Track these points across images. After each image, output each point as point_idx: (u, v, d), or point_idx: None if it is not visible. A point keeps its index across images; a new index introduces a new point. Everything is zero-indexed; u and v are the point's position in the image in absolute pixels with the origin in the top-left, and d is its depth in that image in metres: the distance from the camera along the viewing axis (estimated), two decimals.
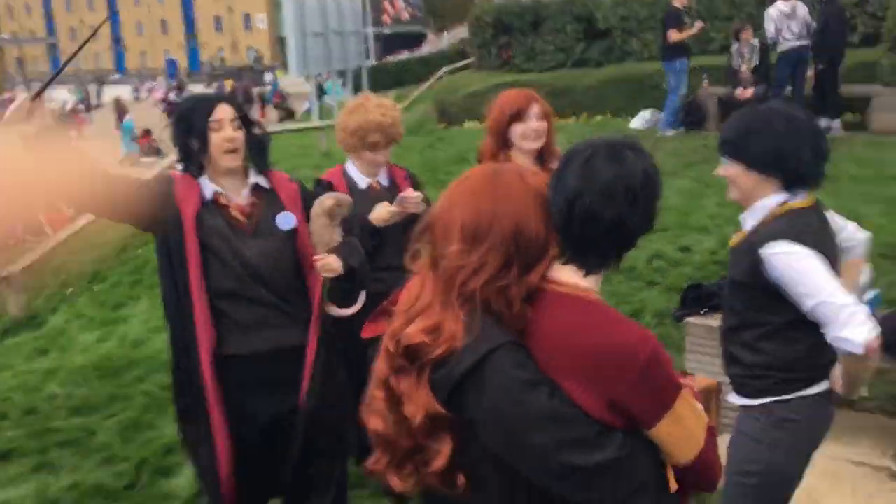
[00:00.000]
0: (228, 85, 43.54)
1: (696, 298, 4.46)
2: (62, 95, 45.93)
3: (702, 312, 4.27)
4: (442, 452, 1.44)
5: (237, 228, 2.60)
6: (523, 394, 1.38)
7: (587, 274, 1.52)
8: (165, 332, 5.96)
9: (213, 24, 73.16)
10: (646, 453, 1.44)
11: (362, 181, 3.44)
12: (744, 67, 9.89)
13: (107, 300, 7.54)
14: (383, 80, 26.75)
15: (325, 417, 2.69)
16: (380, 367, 1.51)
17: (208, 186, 2.61)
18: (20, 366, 5.89)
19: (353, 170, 3.46)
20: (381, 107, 3.36)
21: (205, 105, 2.58)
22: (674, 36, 9.98)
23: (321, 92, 22.72)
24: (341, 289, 2.72)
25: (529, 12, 15.88)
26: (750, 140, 2.28)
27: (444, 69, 22.07)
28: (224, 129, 2.54)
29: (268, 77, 45.24)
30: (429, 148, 11.74)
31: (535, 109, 3.01)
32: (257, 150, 2.66)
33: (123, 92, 46.46)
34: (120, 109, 32.60)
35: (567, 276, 1.51)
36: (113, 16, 78.66)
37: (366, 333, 1.62)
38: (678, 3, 10.19)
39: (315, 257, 2.63)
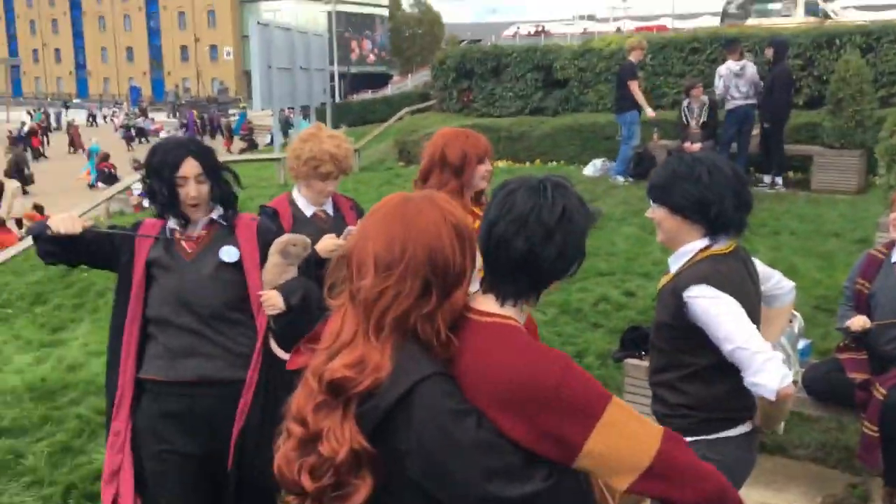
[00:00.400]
0: (195, 114, 43.44)
1: (633, 340, 4.56)
2: (22, 116, 45.33)
3: (640, 355, 4.36)
4: (362, 489, 1.42)
5: (179, 257, 2.68)
6: (451, 423, 1.38)
7: (503, 303, 1.56)
8: (103, 357, 5.87)
9: (180, 54, 72.97)
10: (574, 485, 1.45)
11: (308, 209, 3.48)
12: (693, 123, 10.20)
13: (47, 322, 7.39)
14: (347, 117, 26.96)
15: (256, 466, 2.60)
16: (298, 403, 1.49)
17: (171, 222, 2.74)
18: None
19: (300, 197, 3.49)
20: (333, 138, 3.41)
21: (172, 160, 2.64)
22: (634, 87, 10.26)
23: (287, 126, 22.78)
24: (283, 327, 2.66)
25: (491, 59, 16.23)
26: (675, 186, 2.36)
27: (406, 109, 22.32)
28: (188, 185, 2.63)
29: (231, 109, 45.17)
30: (386, 184, 11.85)
31: (490, 152, 3.15)
32: (223, 202, 2.76)
33: (81, 117, 45.98)
34: (72, 134, 32.31)
35: (488, 305, 1.55)
36: (76, 40, 78.04)
37: (291, 365, 1.61)
38: (634, 57, 10.52)
39: (259, 293, 2.66)
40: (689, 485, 1.45)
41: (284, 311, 2.61)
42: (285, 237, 2.74)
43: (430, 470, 1.40)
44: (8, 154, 24.42)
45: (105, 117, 51.11)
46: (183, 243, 2.71)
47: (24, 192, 21.94)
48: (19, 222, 17.14)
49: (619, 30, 36.44)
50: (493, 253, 1.55)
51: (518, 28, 49.64)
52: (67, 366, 5.78)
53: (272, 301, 2.62)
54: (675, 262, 2.45)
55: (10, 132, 32.64)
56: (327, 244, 3.27)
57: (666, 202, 2.39)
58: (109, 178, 21.48)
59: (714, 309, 2.27)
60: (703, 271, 2.32)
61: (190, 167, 2.64)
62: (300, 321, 2.59)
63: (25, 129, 34.62)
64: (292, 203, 3.50)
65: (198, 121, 40.52)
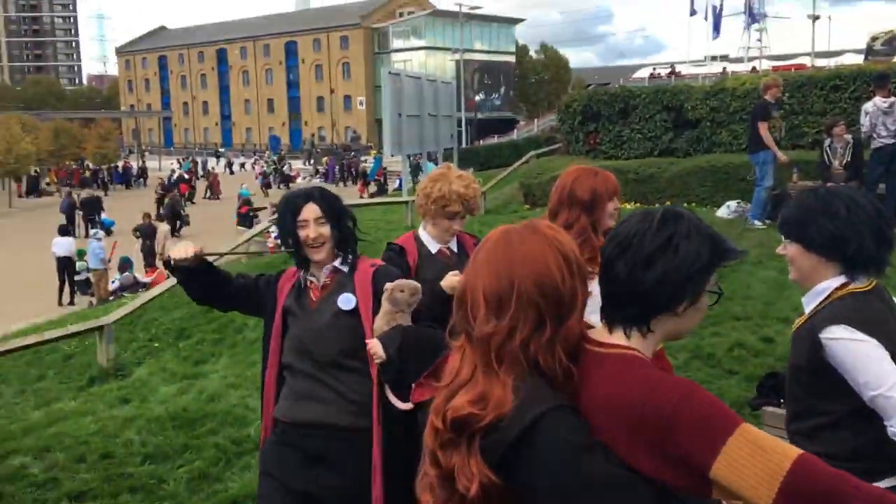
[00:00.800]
0: (324, 162, 45.40)
1: (773, 387, 4.34)
2: (172, 165, 48.78)
3: (779, 402, 4.13)
4: None
5: (306, 305, 2.82)
6: (578, 459, 1.35)
7: (611, 330, 1.53)
8: (240, 389, 6.12)
9: (316, 105, 76.48)
10: None
11: (433, 246, 3.54)
12: (836, 163, 9.70)
13: (189, 356, 7.82)
14: (473, 161, 27.33)
15: None
16: (428, 441, 1.50)
17: (303, 273, 2.88)
18: (102, 412, 6.11)
19: (426, 235, 3.56)
20: (462, 178, 3.47)
21: (293, 206, 2.79)
22: (763, 129, 9.88)
23: (417, 170, 23.38)
24: (390, 376, 2.67)
25: (619, 100, 16.09)
26: (809, 222, 2.24)
27: (532, 153, 22.41)
28: (308, 228, 2.75)
29: (363, 156, 46.93)
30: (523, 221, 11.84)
31: (618, 191, 3.12)
32: (342, 244, 2.84)
33: (220, 166, 49.05)
34: (211, 182, 34.45)
35: (608, 336, 1.53)
36: (222, 94, 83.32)
37: (415, 398, 1.64)
38: (770, 95, 10.12)
39: (367, 340, 2.70)
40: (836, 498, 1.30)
41: (386, 361, 2.61)
42: (393, 283, 2.72)
43: None
44: (165, 199, 26.44)
45: (242, 165, 54.15)
46: (311, 292, 2.83)
47: (176, 234, 23.55)
48: (167, 263, 18.28)
49: (754, 69, 35.35)
50: (602, 275, 1.54)
51: (654, 70, 48.94)
52: (207, 396, 6.06)
53: (374, 350, 2.64)
54: (810, 302, 2.30)
55: (161, 179, 35.15)
56: (451, 281, 3.30)
57: (800, 238, 2.27)
58: (249, 220, 22.64)
59: (854, 352, 2.12)
60: (842, 311, 2.18)
61: (310, 211, 2.77)
62: (406, 369, 2.58)
63: (175, 176, 37.19)
64: (418, 240, 3.57)
65: (337, 167, 42.35)
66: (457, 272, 3.29)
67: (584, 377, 1.46)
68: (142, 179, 47.27)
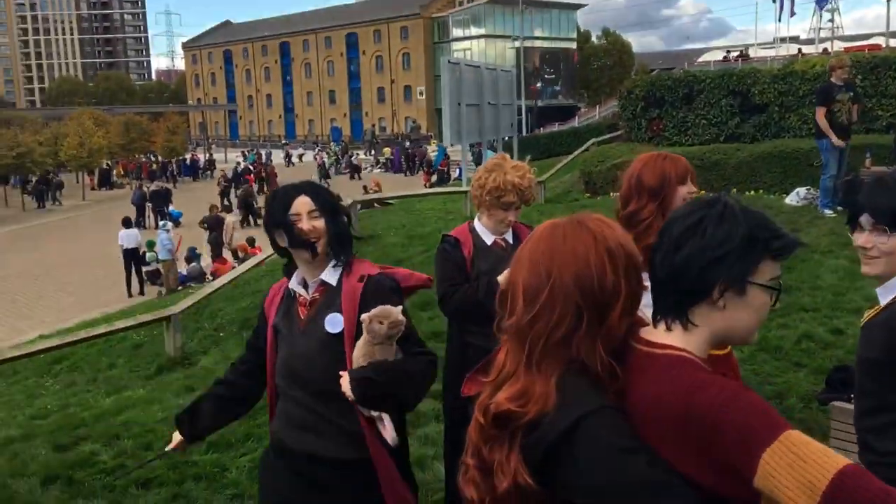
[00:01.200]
0: (386, 152, 45.75)
1: (842, 381, 4.18)
2: (237, 157, 49.77)
3: (849, 397, 3.98)
4: None
5: (294, 325, 2.54)
6: (621, 462, 1.31)
7: (656, 324, 1.49)
8: None
9: (377, 96, 77.03)
10: None
11: (488, 237, 3.51)
12: None
13: None
14: (533, 149, 27.12)
15: None
16: (472, 436, 1.49)
17: (293, 281, 2.58)
18: (169, 400, 6.27)
19: (481, 226, 3.53)
20: (517, 169, 3.42)
21: (284, 199, 2.52)
22: (820, 114, 9.48)
23: (480, 159, 23.34)
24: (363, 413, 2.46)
25: (682, 86, 15.74)
26: None
27: (593, 140, 22.11)
28: (301, 222, 2.48)
29: (423, 145, 47.12)
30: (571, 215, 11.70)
31: (692, 174, 2.96)
32: (337, 240, 2.54)
33: (279, 158, 49.92)
34: (269, 173, 35.13)
35: (659, 336, 1.48)
36: (285, 86, 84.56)
37: (466, 391, 1.60)
38: (835, 77, 9.68)
39: (341, 373, 2.42)
40: None
41: (356, 402, 2.38)
42: (371, 313, 2.38)
43: None
44: (231, 191, 27.07)
45: (301, 156, 54.86)
46: (299, 308, 2.55)
47: (248, 225, 24.04)
48: (235, 253, 18.72)
49: (825, 51, 34.15)
50: (649, 267, 1.50)
51: (728, 52, 47.52)
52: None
53: (343, 387, 2.37)
54: (889, 292, 2.19)
55: (224, 172, 35.84)
56: (507, 276, 3.26)
57: None
58: None
59: None
60: None
61: (302, 204, 2.50)
62: (380, 406, 2.41)
63: (240, 168, 37.90)
64: (473, 231, 3.54)
65: (402, 157, 42.62)
66: None
67: (632, 377, 1.42)
68: (209, 172, 48.29)
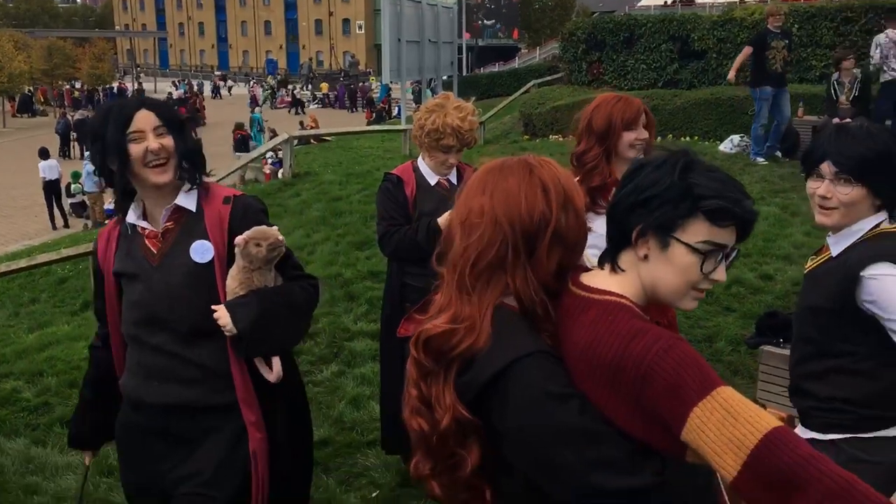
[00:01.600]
0: (323, 88, 44.76)
1: (771, 327, 4.29)
2: (167, 88, 48.05)
3: (778, 342, 4.09)
4: (468, 460, 1.39)
5: (144, 262, 2.20)
6: (550, 408, 1.29)
7: (602, 265, 1.48)
8: None
9: (314, 28, 74.89)
10: (691, 484, 1.32)
11: (432, 178, 3.44)
12: (843, 97, 9.50)
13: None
14: (473, 90, 26.88)
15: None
16: (410, 370, 1.48)
17: (130, 216, 2.24)
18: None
19: (424, 166, 3.45)
20: (460, 110, 3.32)
21: (121, 116, 2.13)
22: (744, 52, 9.67)
23: (420, 98, 23.02)
24: (237, 352, 2.21)
25: (623, 29, 15.72)
26: (882, 167, 2.10)
27: (533, 82, 22.02)
28: (146, 140, 2.12)
29: (362, 82, 46.26)
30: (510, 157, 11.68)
31: (642, 117, 2.89)
32: (189, 160, 2.21)
33: (207, 90, 48.34)
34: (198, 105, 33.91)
35: (600, 281, 1.45)
36: (219, 14, 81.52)
37: (403, 331, 1.59)
38: (771, 24, 9.77)
39: (213, 307, 2.17)
40: (804, 486, 1.18)
41: (237, 336, 2.15)
42: (247, 233, 2.16)
43: (527, 455, 1.32)
44: None
45: (230, 89, 53.27)
46: (147, 242, 2.21)
47: None
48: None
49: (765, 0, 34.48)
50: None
51: None
52: None
53: (222, 321, 2.14)
54: (841, 242, 2.19)
55: None
56: (447, 218, 3.20)
57: (871, 182, 2.11)
58: (242, 145, 22.35)
59: None
60: (885, 249, 2.08)
61: (145, 119, 2.13)
62: (264, 341, 2.19)
63: (175, 96, 36.59)
64: (416, 171, 3.46)
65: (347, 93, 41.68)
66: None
67: (568, 322, 1.40)
68: None
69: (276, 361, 2.25)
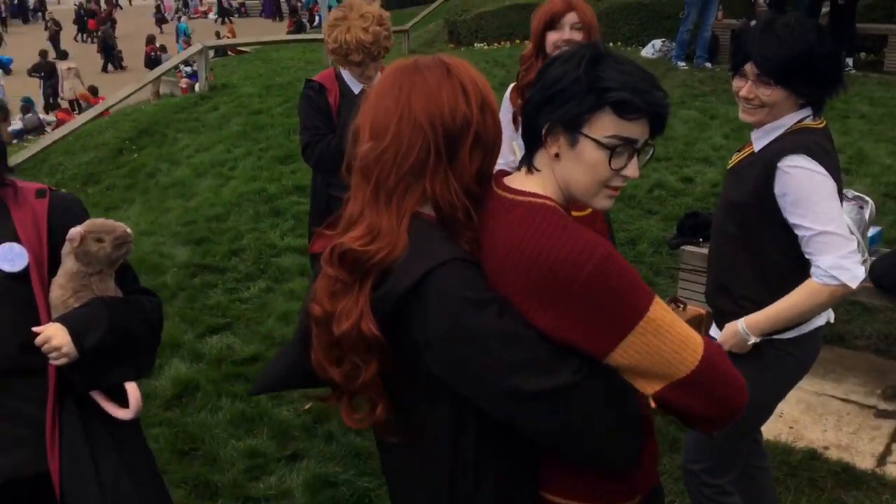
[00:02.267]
0: None
1: (692, 227, 4.39)
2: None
3: (698, 241, 4.21)
4: (364, 371, 1.35)
5: None
6: (468, 314, 1.26)
7: (528, 170, 1.44)
8: (154, 237, 5.90)
9: None
10: (609, 382, 1.32)
11: (356, 85, 3.32)
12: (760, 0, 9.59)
13: (100, 202, 7.49)
14: None
15: None
16: (317, 291, 1.39)
17: None
18: None
19: (347, 74, 3.33)
20: (364, 19, 3.13)
21: None
22: None
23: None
24: (81, 382, 1.71)
25: None
26: (802, 66, 2.08)
27: None
28: None
29: None
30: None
31: (570, 17, 2.79)
32: None
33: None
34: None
35: (523, 182, 1.42)
36: None
37: (314, 248, 1.49)
38: None
39: (35, 329, 1.65)
40: (716, 400, 1.31)
41: (79, 358, 1.66)
42: (84, 225, 1.73)
43: (448, 363, 1.30)
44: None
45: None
46: None
47: (109, 70, 22.14)
48: (73, 103, 17.33)
49: None
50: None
51: None
52: None
53: (55, 343, 1.63)
54: (763, 138, 2.21)
55: (53, 15, 32.46)
56: None
57: (791, 82, 2.10)
58: (154, 61, 21.32)
59: (810, 183, 2.06)
60: (803, 142, 2.10)
61: None
62: (111, 366, 1.72)
63: (82, 10, 34.37)
64: (339, 78, 3.34)
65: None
66: None
67: (491, 223, 1.37)
68: (40, 13, 43.65)
69: (134, 388, 1.77)
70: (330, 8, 20.15)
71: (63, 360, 1.63)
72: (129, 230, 1.75)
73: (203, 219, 6.14)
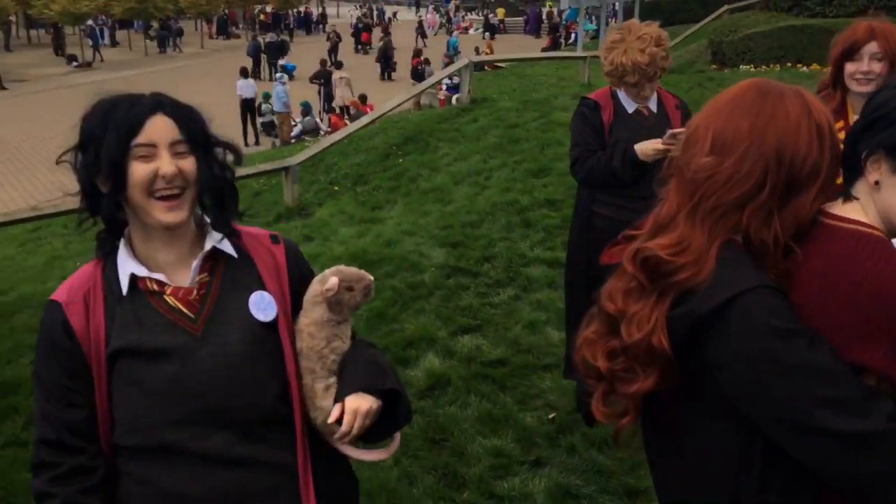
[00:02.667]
0: (500, 13, 44.01)
1: None
2: (351, 12, 49.23)
3: None
4: (644, 382, 1.35)
5: (177, 332, 1.53)
6: (776, 343, 1.23)
7: (845, 199, 1.38)
8: (415, 237, 6.26)
9: None
10: None
11: (630, 105, 3.36)
12: None
13: (367, 201, 8.10)
14: (655, 16, 25.57)
15: None
16: (610, 288, 1.42)
17: (126, 265, 1.56)
18: None
19: (622, 93, 3.38)
20: (641, 41, 3.15)
21: (128, 119, 1.49)
22: None
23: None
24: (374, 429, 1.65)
25: None
26: None
27: (725, 7, 20.65)
28: (159, 158, 1.50)
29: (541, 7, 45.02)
30: (697, 87, 11.15)
31: (870, 47, 2.67)
32: (217, 194, 1.59)
33: (402, 15, 48.77)
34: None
35: (849, 211, 1.36)
36: None
37: (604, 259, 1.50)
38: None
39: (331, 412, 1.60)
40: None
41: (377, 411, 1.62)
42: (334, 272, 1.69)
43: (747, 388, 1.27)
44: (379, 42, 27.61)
45: (394, 14, 53.50)
46: (173, 302, 1.55)
47: (385, 80, 23.98)
48: (344, 109, 18.86)
49: None
50: None
51: None
52: (384, 241, 6.31)
53: (360, 411, 1.58)
54: None
55: (334, 27, 35.39)
56: (647, 149, 3.13)
57: None
58: (419, 73, 22.62)
59: None
60: None
61: (160, 128, 1.50)
62: (396, 414, 1.68)
63: (360, 24, 37.33)
64: (615, 97, 3.39)
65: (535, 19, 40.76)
66: (657, 141, 3.11)
67: (808, 251, 1.32)
68: (321, 26, 48.00)
69: (397, 438, 1.81)
70: (588, 30, 20.13)
71: (360, 428, 1.59)
72: (372, 278, 1.74)
73: (459, 224, 6.45)
